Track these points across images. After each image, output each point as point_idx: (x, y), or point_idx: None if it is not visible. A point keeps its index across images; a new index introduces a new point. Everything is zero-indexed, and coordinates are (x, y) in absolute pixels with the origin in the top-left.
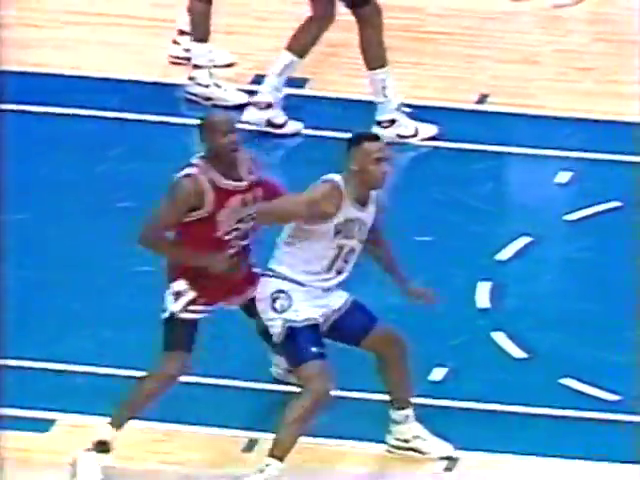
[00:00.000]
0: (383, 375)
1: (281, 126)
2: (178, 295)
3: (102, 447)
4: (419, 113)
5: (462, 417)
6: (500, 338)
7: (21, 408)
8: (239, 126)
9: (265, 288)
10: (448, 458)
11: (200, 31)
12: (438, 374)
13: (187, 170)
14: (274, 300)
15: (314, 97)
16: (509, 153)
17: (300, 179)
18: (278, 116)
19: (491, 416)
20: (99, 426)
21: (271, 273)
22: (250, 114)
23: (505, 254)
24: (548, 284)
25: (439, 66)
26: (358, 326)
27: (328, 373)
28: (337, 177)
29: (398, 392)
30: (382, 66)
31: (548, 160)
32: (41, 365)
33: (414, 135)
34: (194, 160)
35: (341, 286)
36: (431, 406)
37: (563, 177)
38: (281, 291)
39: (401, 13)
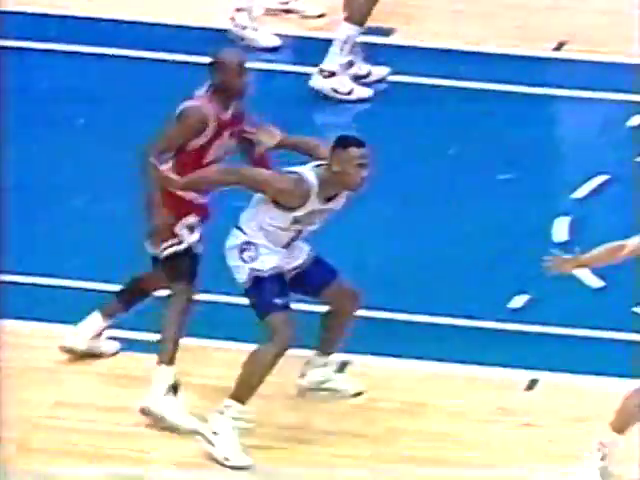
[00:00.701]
0: (326, 323)
1: (348, 93)
2: (191, 229)
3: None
4: (496, 60)
5: (540, 342)
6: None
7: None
8: None
9: (234, 239)
10: (358, 394)
11: None
12: (518, 301)
13: (195, 100)
14: (242, 250)
15: (399, 46)
16: (585, 98)
17: (388, 121)
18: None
19: (568, 341)
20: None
21: (240, 227)
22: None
23: (581, 192)
24: (622, 219)
25: (518, 17)
26: (319, 278)
27: (291, 324)
28: (307, 172)
29: (333, 342)
30: (359, 24)
31: (622, 104)
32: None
33: (348, 93)
34: (199, 92)
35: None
36: (511, 331)
37: (636, 120)
38: (249, 243)
39: None
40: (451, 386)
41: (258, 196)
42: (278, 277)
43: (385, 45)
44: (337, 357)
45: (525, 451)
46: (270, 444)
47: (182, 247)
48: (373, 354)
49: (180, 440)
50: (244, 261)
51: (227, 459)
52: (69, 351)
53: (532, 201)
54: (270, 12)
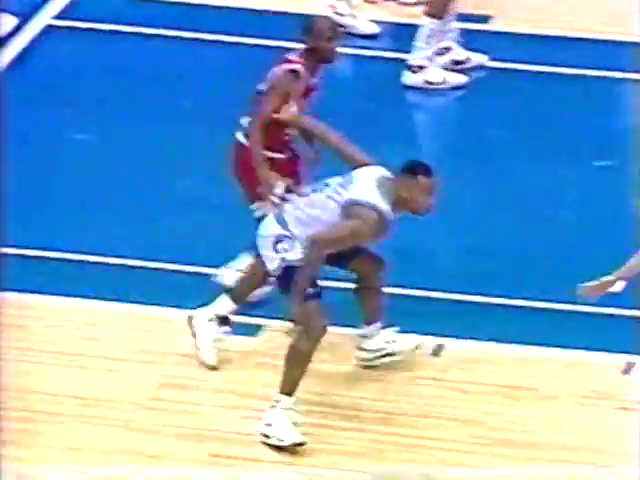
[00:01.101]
0: (359, 294)
1: (442, 82)
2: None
3: (223, 322)
4: (583, 45)
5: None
6: None
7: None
8: None
9: (270, 228)
10: (417, 347)
11: None
12: (618, 286)
13: (292, 65)
14: (277, 242)
15: (497, 32)
16: None
17: (484, 108)
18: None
19: None
20: (220, 301)
21: (283, 221)
22: (407, 77)
23: None
24: None
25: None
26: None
27: (324, 311)
28: (380, 202)
29: (373, 310)
30: (440, 17)
31: None
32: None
33: (442, 83)
34: (291, 56)
35: None
36: (608, 315)
37: None
38: (287, 237)
39: None
40: (545, 369)
41: (332, 209)
42: None
43: (482, 31)
44: (432, 341)
45: (620, 434)
46: (361, 427)
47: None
48: (468, 338)
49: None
50: (277, 252)
51: (281, 440)
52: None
53: (628, 187)
54: (369, 0)
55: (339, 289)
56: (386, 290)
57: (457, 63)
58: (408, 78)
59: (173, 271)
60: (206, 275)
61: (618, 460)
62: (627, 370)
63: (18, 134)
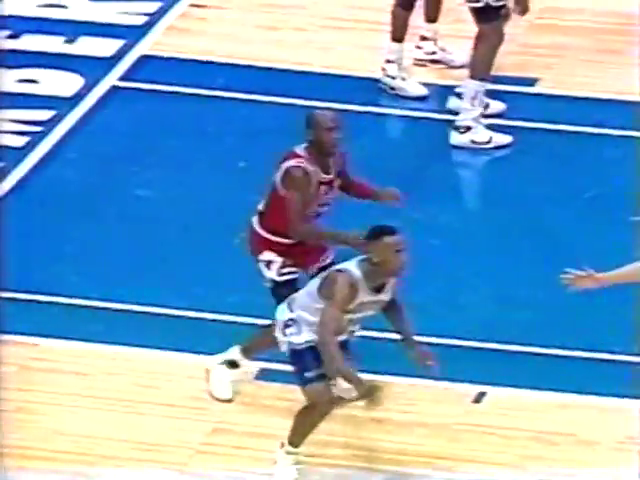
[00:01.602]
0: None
1: (487, 142)
2: (269, 264)
3: (232, 365)
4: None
5: None
6: None
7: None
8: None
9: (281, 313)
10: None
11: (397, 32)
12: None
13: (297, 161)
14: (286, 326)
15: (545, 95)
16: None
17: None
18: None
19: None
20: (232, 351)
21: (291, 306)
22: (454, 138)
23: None
24: None
25: None
26: None
27: (328, 391)
28: (353, 268)
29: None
30: (482, 79)
31: None
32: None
33: (487, 142)
34: (298, 149)
35: None
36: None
37: None
38: (293, 320)
39: (613, 18)
40: (581, 416)
41: (314, 292)
42: (312, 348)
43: (529, 94)
44: (474, 388)
45: None
46: (405, 470)
47: (268, 284)
48: (509, 386)
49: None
50: (284, 335)
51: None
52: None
53: None
54: (419, 62)
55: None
56: (426, 339)
57: (477, 143)
58: (455, 138)
59: (229, 322)
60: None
61: None
62: None
63: (89, 188)
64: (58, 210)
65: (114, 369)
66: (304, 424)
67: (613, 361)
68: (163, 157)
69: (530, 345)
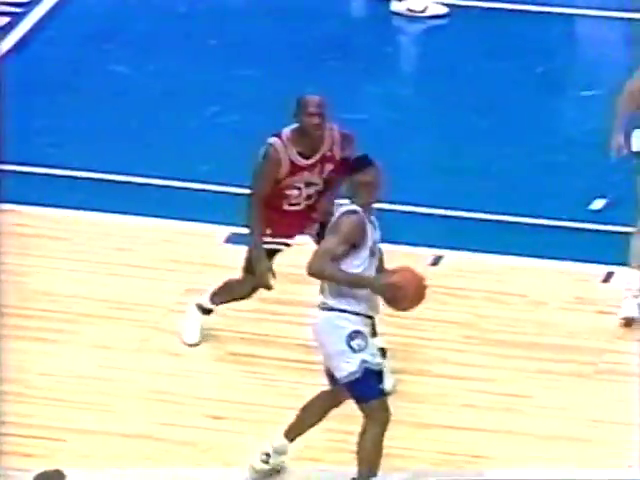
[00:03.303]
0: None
1: (422, 10)
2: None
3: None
4: None
5: (617, 240)
6: None
7: None
8: None
9: (332, 323)
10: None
11: None
12: (598, 204)
13: (274, 139)
14: (351, 338)
15: None
16: None
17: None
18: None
19: None
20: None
21: (328, 306)
22: (394, 5)
23: None
24: None
25: None
26: None
27: (387, 406)
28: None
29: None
30: None
31: None
32: None
33: (422, 11)
34: (285, 129)
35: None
36: (590, 230)
37: None
38: (358, 332)
39: None
40: (534, 277)
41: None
42: (366, 372)
43: None
44: (431, 252)
45: (600, 335)
46: None
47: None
48: (463, 249)
49: None
50: (353, 350)
51: None
52: None
53: (613, 115)
54: None
55: None
56: (387, 206)
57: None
58: (394, 6)
59: (200, 190)
60: (229, 194)
61: (595, 353)
62: (606, 279)
63: (67, 65)
64: (38, 86)
65: (93, 234)
66: (374, 453)
67: (564, 228)
68: (137, 36)
69: (482, 212)
